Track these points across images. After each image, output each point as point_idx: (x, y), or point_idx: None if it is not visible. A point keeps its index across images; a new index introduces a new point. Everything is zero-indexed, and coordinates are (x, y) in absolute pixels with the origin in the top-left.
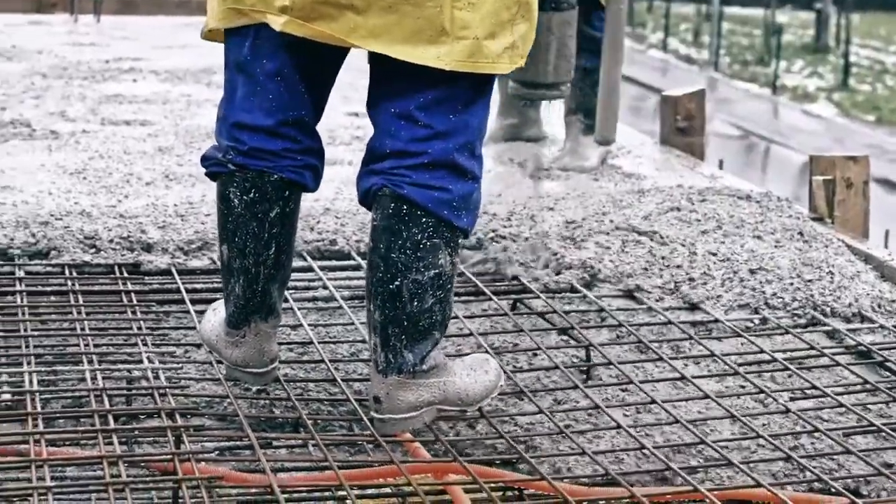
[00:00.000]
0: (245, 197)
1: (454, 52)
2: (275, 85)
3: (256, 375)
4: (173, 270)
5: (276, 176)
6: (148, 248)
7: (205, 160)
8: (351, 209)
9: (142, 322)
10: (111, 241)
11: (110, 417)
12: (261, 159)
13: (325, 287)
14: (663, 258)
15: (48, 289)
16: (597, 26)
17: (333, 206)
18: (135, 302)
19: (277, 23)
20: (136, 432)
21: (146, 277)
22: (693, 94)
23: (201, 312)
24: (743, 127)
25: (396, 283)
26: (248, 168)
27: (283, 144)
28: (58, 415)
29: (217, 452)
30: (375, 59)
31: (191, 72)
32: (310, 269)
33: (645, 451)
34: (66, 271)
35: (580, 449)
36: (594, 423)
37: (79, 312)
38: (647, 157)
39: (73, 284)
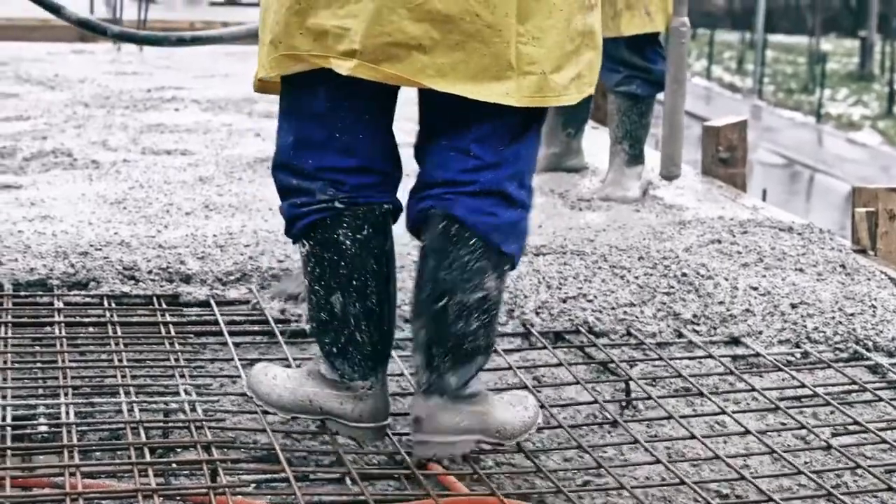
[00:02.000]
0: (359, 235)
1: (522, 88)
2: (360, 123)
3: (380, 429)
4: (212, 302)
5: (386, 206)
6: (187, 279)
7: (296, 210)
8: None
9: (179, 354)
10: (150, 271)
11: (146, 450)
12: (365, 192)
13: None
14: (706, 292)
15: (86, 320)
16: (650, 58)
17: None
18: (172, 333)
19: (345, 67)
20: (173, 465)
21: (184, 309)
22: (735, 124)
23: (238, 345)
24: (787, 156)
25: (442, 302)
26: (357, 204)
27: (378, 178)
28: (94, 447)
29: (253, 486)
30: (427, 95)
31: (232, 101)
32: None
33: (684, 486)
34: (105, 302)
35: (619, 483)
36: (633, 458)
37: (116, 344)
38: (689, 187)
39: (112, 315)
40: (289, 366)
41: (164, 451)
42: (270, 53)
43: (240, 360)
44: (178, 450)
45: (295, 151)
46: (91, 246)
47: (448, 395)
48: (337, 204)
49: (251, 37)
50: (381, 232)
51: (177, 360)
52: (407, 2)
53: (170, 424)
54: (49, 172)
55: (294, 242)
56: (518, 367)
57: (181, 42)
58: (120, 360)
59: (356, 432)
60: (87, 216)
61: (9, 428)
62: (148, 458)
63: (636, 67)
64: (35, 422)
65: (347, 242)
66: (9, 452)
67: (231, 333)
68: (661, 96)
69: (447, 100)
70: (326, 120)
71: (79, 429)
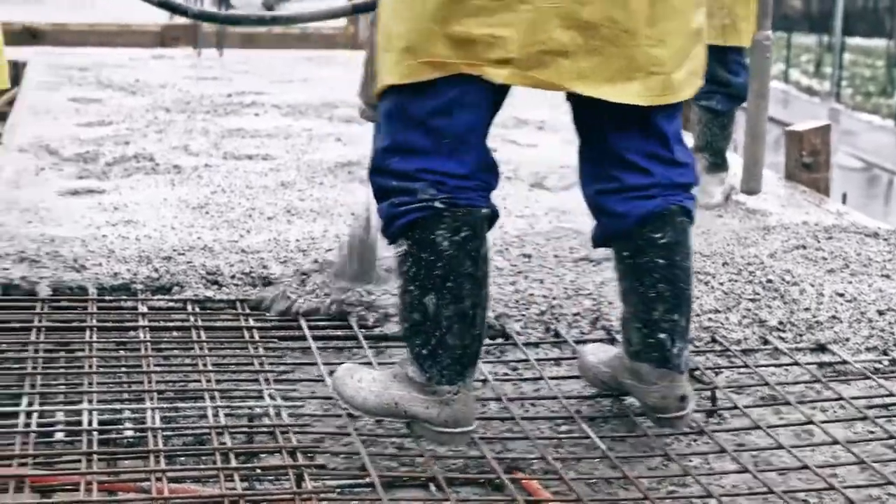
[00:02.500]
0: (456, 237)
1: (649, 88)
2: (472, 132)
3: (465, 434)
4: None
5: (485, 210)
6: (269, 283)
7: (395, 209)
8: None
9: (263, 358)
10: (233, 276)
11: (231, 455)
12: (465, 194)
13: None
14: (791, 299)
15: (170, 324)
16: (733, 69)
17: None
18: (256, 338)
19: (500, 75)
20: (257, 470)
21: (267, 313)
22: (818, 128)
23: (323, 349)
24: (866, 159)
25: (690, 289)
26: (457, 205)
27: (481, 183)
28: (179, 452)
29: (339, 491)
30: (581, 102)
31: (312, 106)
32: None
33: (772, 495)
34: (189, 306)
35: (706, 492)
36: (719, 467)
37: (200, 348)
38: (772, 193)
39: (195, 320)
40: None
41: (249, 456)
42: (405, 60)
43: (324, 364)
44: (263, 455)
45: (396, 155)
46: (174, 250)
47: (686, 371)
48: (437, 204)
49: (330, 17)
50: (478, 235)
51: (261, 364)
52: (560, 12)
53: (254, 429)
54: (131, 177)
55: (391, 243)
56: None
57: (261, 21)
58: (204, 365)
59: (441, 437)
60: (170, 221)
61: (95, 432)
62: (233, 463)
63: (718, 81)
64: (121, 426)
65: (445, 243)
66: (95, 457)
67: (315, 338)
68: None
69: (608, 107)
70: (434, 125)
71: (164, 433)
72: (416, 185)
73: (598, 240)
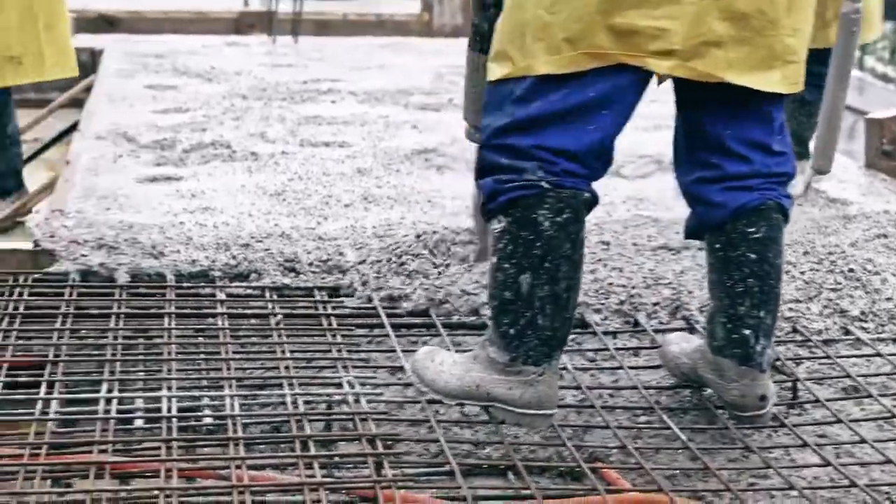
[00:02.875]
0: (558, 218)
1: (787, 76)
2: (608, 119)
3: (547, 417)
4: (372, 293)
5: (587, 194)
6: (346, 270)
7: (500, 185)
8: None
9: (341, 346)
10: (310, 263)
11: (311, 443)
12: (571, 178)
13: None
14: (873, 288)
15: (248, 311)
16: (823, 59)
17: None
18: (334, 325)
19: (663, 66)
20: (336, 458)
21: (345, 300)
22: None
23: (402, 336)
24: None
25: (779, 287)
26: (563, 187)
27: (590, 171)
28: (258, 439)
29: (418, 479)
30: (689, 90)
31: (388, 93)
32: None
33: (854, 488)
34: (267, 294)
35: (788, 484)
36: (801, 459)
37: (279, 335)
38: (852, 181)
39: (273, 307)
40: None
41: (328, 443)
42: (564, 50)
43: (402, 351)
44: (342, 443)
45: (516, 132)
46: (252, 237)
47: (769, 368)
48: (544, 184)
49: None
50: (579, 218)
51: (339, 351)
52: (720, 4)
53: (333, 417)
54: (209, 164)
55: (488, 218)
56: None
57: None
58: (282, 352)
59: (523, 419)
60: (248, 208)
61: (174, 419)
62: (312, 450)
63: (810, 73)
64: (199, 413)
65: (546, 224)
66: (174, 444)
67: (393, 326)
68: None
69: (721, 94)
70: (571, 109)
71: (243, 421)
72: (527, 164)
73: (692, 229)
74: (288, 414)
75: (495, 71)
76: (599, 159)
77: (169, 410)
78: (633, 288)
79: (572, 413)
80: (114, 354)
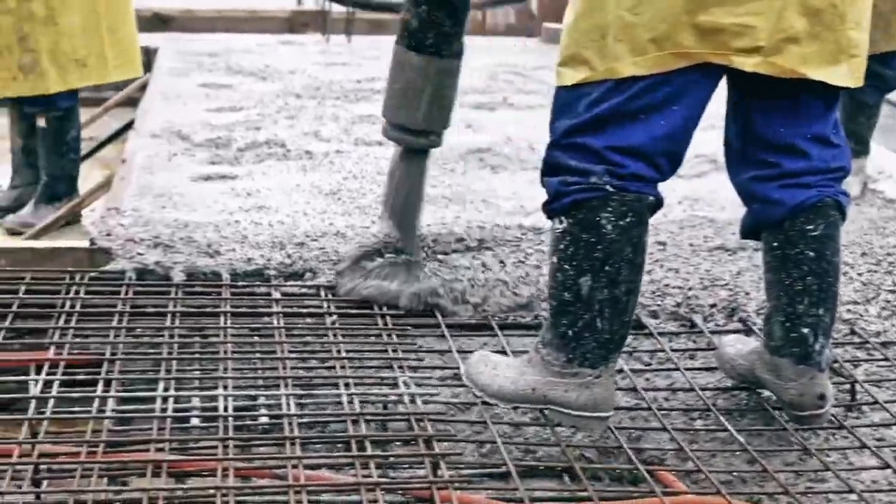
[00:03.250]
0: (621, 222)
1: (853, 70)
2: (678, 115)
3: (603, 420)
4: None
5: (652, 198)
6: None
7: (566, 186)
8: None
9: (397, 346)
10: None
11: (367, 443)
12: (637, 182)
13: None
14: None
15: (304, 310)
16: (890, 63)
17: None
18: (390, 325)
19: (747, 63)
20: (392, 458)
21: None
22: None
23: (458, 336)
24: None
25: (837, 285)
26: (627, 191)
27: (657, 174)
28: (314, 439)
29: (474, 480)
30: (747, 86)
31: None
32: None
33: None
34: (322, 293)
35: (847, 487)
36: (859, 462)
37: (334, 335)
38: None
39: (329, 307)
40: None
41: (384, 444)
42: (651, 51)
43: (458, 352)
44: (398, 443)
45: (588, 132)
46: (307, 236)
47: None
48: (608, 187)
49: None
50: (642, 222)
51: (394, 351)
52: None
53: (389, 417)
54: (263, 163)
55: (549, 217)
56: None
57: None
58: (338, 352)
59: (578, 421)
60: (302, 206)
61: (230, 418)
62: (368, 450)
63: (871, 74)
64: (256, 412)
65: (609, 227)
66: (231, 443)
67: (449, 326)
68: None
69: (783, 90)
70: (655, 110)
71: (299, 420)
72: (596, 167)
73: (748, 228)
74: (344, 414)
75: (570, 75)
76: (669, 157)
77: (225, 409)
78: (690, 289)
79: (629, 415)
80: (170, 353)
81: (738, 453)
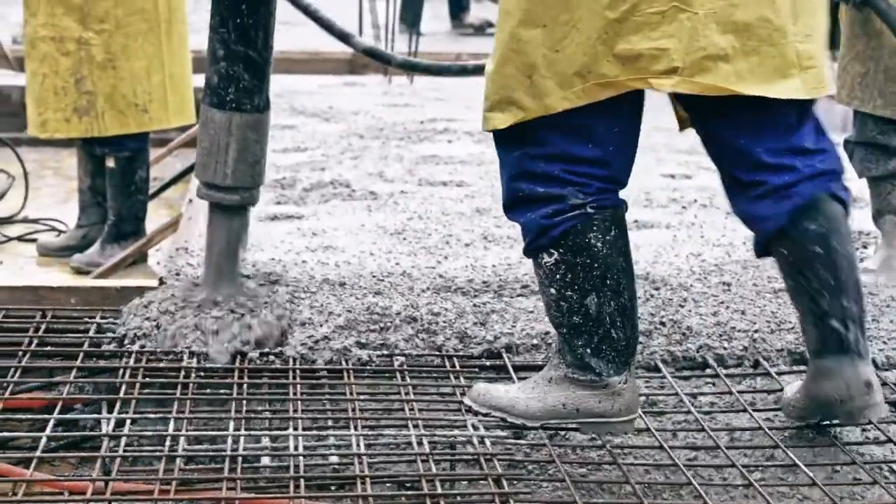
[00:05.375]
0: (608, 236)
1: (806, 82)
2: (623, 136)
3: (634, 420)
4: None
5: (623, 207)
6: None
7: (548, 220)
8: (670, 273)
9: (464, 388)
10: None
11: (437, 482)
12: (607, 195)
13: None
14: None
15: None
16: None
17: (653, 270)
18: (458, 367)
19: (667, 84)
20: (461, 498)
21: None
22: None
23: (524, 378)
24: None
25: (856, 274)
26: (605, 207)
27: (619, 178)
28: (385, 478)
29: None
30: (710, 120)
31: None
32: None
33: None
34: None
35: None
36: None
37: (402, 377)
38: None
39: None
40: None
41: (453, 483)
42: (576, 84)
43: None
44: (467, 483)
45: (544, 161)
46: (373, 276)
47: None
48: (588, 209)
49: None
50: (624, 231)
51: (462, 393)
52: (716, 17)
53: (458, 457)
54: (328, 203)
55: (535, 253)
56: None
57: (463, 72)
58: (406, 393)
59: (616, 428)
60: (368, 246)
61: (301, 457)
62: (439, 489)
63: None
64: (326, 452)
65: (599, 245)
66: (302, 482)
67: (516, 368)
68: None
69: (745, 109)
70: (587, 133)
71: (370, 461)
72: (565, 189)
73: (760, 247)
74: (414, 454)
75: (501, 119)
76: (626, 170)
77: (295, 448)
78: (756, 332)
79: (700, 453)
80: (240, 392)
81: (805, 486)
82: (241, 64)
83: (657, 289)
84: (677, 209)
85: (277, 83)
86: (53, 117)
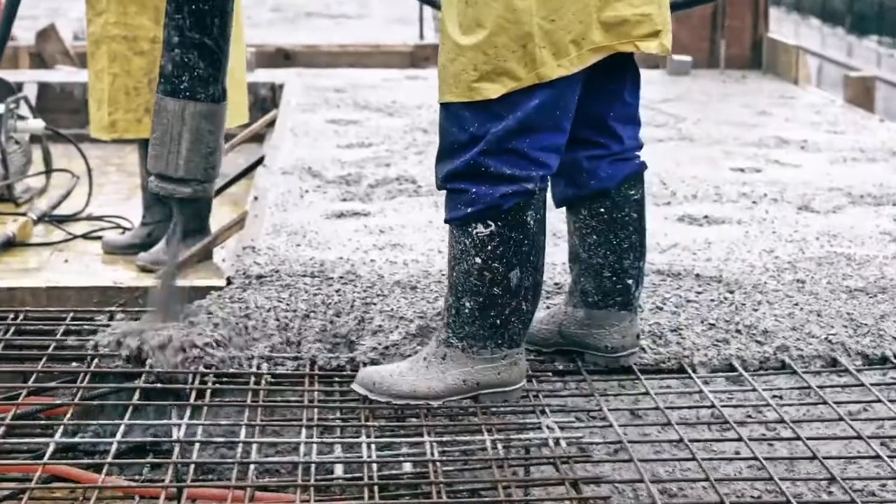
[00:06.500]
0: (538, 215)
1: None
2: (575, 113)
3: (522, 388)
4: None
5: (547, 185)
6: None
7: (500, 199)
8: (743, 271)
9: (538, 391)
10: None
11: (513, 487)
12: (549, 177)
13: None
14: None
15: None
16: None
17: (725, 268)
18: (531, 370)
19: (650, 47)
20: (538, 503)
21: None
22: None
23: (599, 381)
24: None
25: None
26: (544, 189)
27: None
28: (459, 485)
29: None
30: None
31: None
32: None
33: None
34: None
35: None
36: None
37: None
38: None
39: None
40: None
41: (529, 487)
42: (571, 52)
43: (600, 395)
44: (544, 486)
45: (517, 137)
46: (442, 275)
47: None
48: (533, 186)
49: None
50: (545, 210)
51: (535, 396)
52: None
53: (533, 461)
54: (395, 199)
55: (465, 224)
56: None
57: None
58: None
59: (511, 395)
60: (437, 244)
61: (374, 465)
62: (514, 495)
63: None
64: (400, 460)
65: (532, 223)
66: (375, 489)
67: (590, 371)
68: None
69: (610, 73)
70: (568, 106)
71: (444, 468)
72: (531, 171)
73: (567, 199)
74: (489, 458)
75: (493, 89)
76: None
77: (369, 456)
78: (834, 334)
79: (781, 455)
80: (311, 399)
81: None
82: (195, 52)
83: (731, 292)
84: (748, 204)
85: (340, 77)
86: (124, 118)
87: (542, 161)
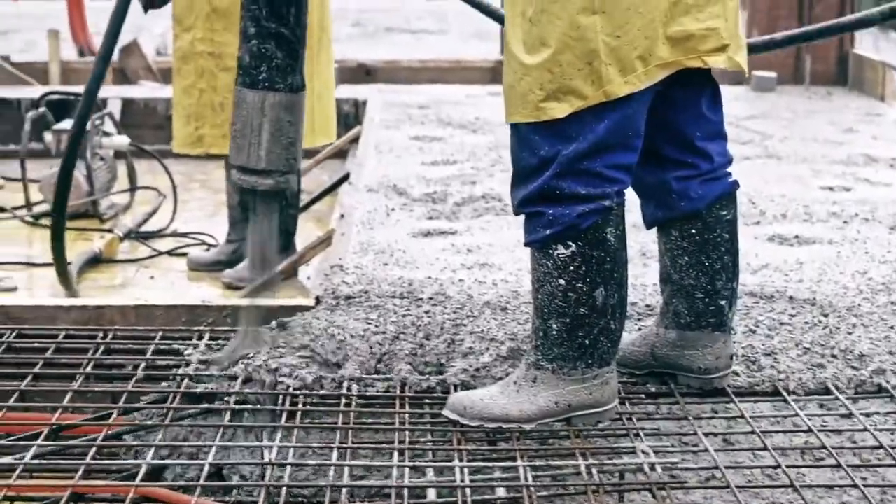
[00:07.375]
0: (618, 231)
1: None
2: (662, 130)
3: (615, 407)
4: None
5: (625, 200)
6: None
7: (577, 219)
8: (836, 293)
9: (632, 414)
10: None
11: None
12: (624, 190)
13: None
14: None
15: None
16: None
17: (819, 290)
18: (623, 393)
19: (719, 61)
20: None
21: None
22: None
23: (692, 404)
24: None
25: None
26: (623, 203)
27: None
28: None
29: None
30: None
31: None
32: None
33: None
34: None
35: None
36: None
37: None
38: None
39: None
40: None
41: None
42: (638, 68)
43: (694, 418)
44: None
45: (587, 157)
46: None
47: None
48: (610, 203)
49: None
50: (625, 225)
51: (628, 419)
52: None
53: (629, 487)
54: (481, 218)
55: (545, 246)
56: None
57: None
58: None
59: (603, 416)
60: (525, 264)
61: (468, 489)
62: None
63: None
64: (493, 484)
65: (612, 239)
66: None
67: (683, 394)
68: None
69: (696, 93)
70: (638, 123)
71: (538, 493)
72: (606, 188)
73: (659, 220)
74: (584, 484)
75: (561, 108)
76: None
77: (462, 481)
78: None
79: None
80: (402, 423)
81: None
82: (272, 41)
83: (825, 315)
84: (839, 223)
85: (423, 93)
86: (210, 133)
87: (615, 178)
